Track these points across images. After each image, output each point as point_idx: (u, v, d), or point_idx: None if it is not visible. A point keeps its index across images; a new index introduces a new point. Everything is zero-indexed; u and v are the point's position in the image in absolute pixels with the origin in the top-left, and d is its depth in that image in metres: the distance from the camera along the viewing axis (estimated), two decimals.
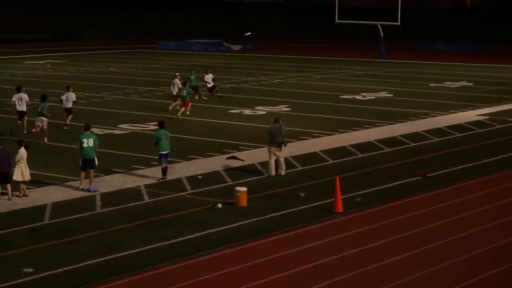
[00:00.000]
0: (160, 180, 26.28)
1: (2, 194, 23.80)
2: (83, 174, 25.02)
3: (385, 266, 18.32)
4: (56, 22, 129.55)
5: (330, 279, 17.46)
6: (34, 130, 32.79)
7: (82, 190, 24.79)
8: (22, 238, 20.19)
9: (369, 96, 48.22)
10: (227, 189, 25.15)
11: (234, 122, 38.26)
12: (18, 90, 34.71)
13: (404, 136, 34.71)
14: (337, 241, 20.25)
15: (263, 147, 29.91)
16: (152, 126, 35.44)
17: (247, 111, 41.49)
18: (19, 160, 23.95)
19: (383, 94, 49.37)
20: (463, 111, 42.45)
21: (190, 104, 39.36)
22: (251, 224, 21.61)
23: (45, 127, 32.72)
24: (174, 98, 41.03)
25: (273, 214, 22.53)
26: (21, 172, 23.92)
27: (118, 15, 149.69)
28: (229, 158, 29.74)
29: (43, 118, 32.77)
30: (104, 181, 26.10)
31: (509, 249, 19.65)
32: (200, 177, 26.95)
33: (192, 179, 26.56)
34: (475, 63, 71.41)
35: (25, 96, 34.37)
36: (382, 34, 76.82)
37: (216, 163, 29.08)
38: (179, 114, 38.70)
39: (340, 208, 22.78)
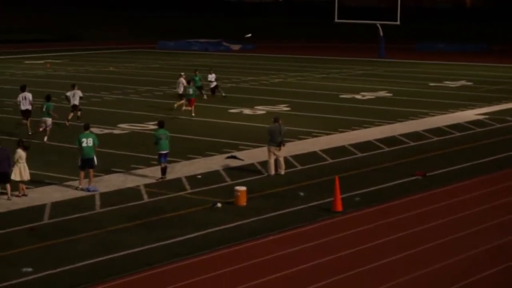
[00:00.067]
0: (160, 180, 26.29)
1: (2, 193, 23.81)
2: (82, 173, 25.03)
3: (384, 265, 18.33)
4: (56, 22, 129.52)
5: (330, 278, 17.47)
6: (40, 129, 32.86)
7: (82, 189, 24.81)
8: (22, 238, 20.21)
9: (369, 95, 48.24)
10: (227, 188, 25.17)
11: (234, 121, 38.27)
12: (23, 89, 34.68)
13: (403, 135, 34.73)
14: (336, 241, 20.26)
15: (262, 146, 29.93)
16: (151, 126, 35.46)
17: (246, 111, 41.50)
18: (17, 160, 23.96)
19: (382, 93, 49.39)
20: (463, 110, 42.46)
21: (193, 104, 39.52)
22: (251, 224, 21.62)
23: (48, 127, 32.79)
24: (180, 97, 41.21)
25: (273, 214, 22.54)
26: (19, 171, 23.92)
27: (117, 14, 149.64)
28: (228, 157, 29.76)
29: (47, 118, 32.89)
30: (103, 180, 26.11)
31: (507, 249, 19.65)
32: (199, 176, 26.96)
33: (192, 179, 26.58)
34: (474, 63, 71.42)
35: (29, 96, 34.35)
36: (382, 34, 76.85)
37: (216, 162, 29.09)
38: (183, 109, 39.16)
39: (339, 207, 22.80)
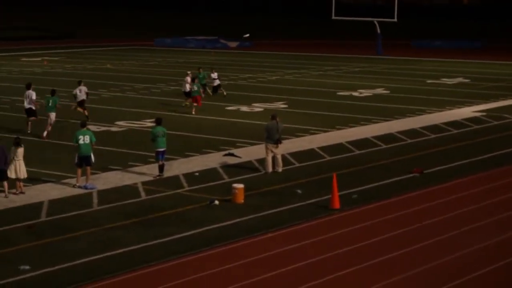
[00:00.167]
0: (157, 177, 26.28)
1: None
2: (79, 171, 25.00)
3: (382, 263, 18.34)
4: (54, 19, 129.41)
5: (327, 276, 17.47)
6: (45, 133, 32.75)
7: (79, 187, 24.78)
8: (19, 236, 20.18)
9: (366, 92, 48.25)
10: (224, 186, 25.16)
11: (231, 119, 38.26)
12: (28, 87, 34.59)
13: (401, 132, 34.73)
14: (334, 238, 20.26)
15: (260, 144, 29.93)
16: (149, 123, 35.43)
17: (244, 108, 41.49)
18: (13, 158, 23.92)
19: (380, 90, 49.39)
20: (460, 107, 42.49)
21: (200, 101, 39.82)
22: (248, 221, 21.62)
23: (51, 122, 32.93)
24: (187, 95, 41.32)
25: (270, 211, 22.54)
26: (14, 169, 23.88)
27: (114, 12, 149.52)
28: (226, 155, 29.75)
29: (52, 112, 33.02)
30: (101, 178, 26.09)
31: (504, 246, 19.67)
32: (197, 174, 26.95)
33: (189, 176, 26.57)
34: (471, 60, 71.49)
35: (32, 94, 34.07)
36: (379, 31, 76.85)
37: (213, 160, 29.08)
38: (193, 112, 39.19)
39: (337, 205, 22.80)
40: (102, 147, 29.69)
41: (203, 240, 19.87)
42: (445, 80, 55.37)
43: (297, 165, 28.52)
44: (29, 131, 33.36)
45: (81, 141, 25.04)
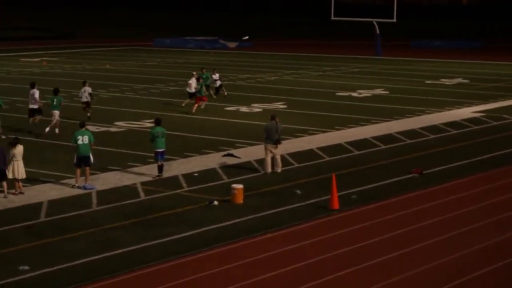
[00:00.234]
0: (156, 178, 26.28)
1: None
2: (78, 171, 24.99)
3: (381, 263, 18.33)
4: (53, 19, 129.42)
5: (326, 276, 17.47)
6: (47, 129, 33.02)
7: (78, 187, 24.77)
8: (18, 236, 20.18)
9: (365, 93, 48.25)
10: (223, 186, 25.15)
11: (230, 119, 38.26)
12: (32, 86, 34.75)
13: (400, 133, 34.74)
14: (333, 239, 20.26)
15: (259, 144, 29.93)
16: (148, 124, 35.42)
17: (243, 109, 41.49)
18: (11, 158, 23.90)
19: (379, 91, 49.40)
20: (459, 108, 42.49)
21: (198, 103, 39.89)
22: (247, 222, 21.61)
23: (55, 120, 33.11)
24: (191, 96, 41.37)
25: (269, 212, 22.53)
26: (12, 169, 23.85)
27: (114, 12, 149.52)
28: (225, 155, 29.75)
29: (55, 111, 33.19)
30: (100, 178, 26.09)
31: (504, 247, 19.67)
32: (196, 174, 26.95)
33: (188, 177, 26.56)
34: (471, 60, 71.50)
35: (35, 93, 34.30)
36: (378, 31, 76.86)
37: (212, 160, 29.08)
38: (202, 106, 39.72)
39: (336, 205, 22.79)
40: (101, 147, 29.68)
41: (202, 241, 19.86)
42: (444, 81, 55.37)
43: (296, 165, 28.52)
44: (35, 127, 33.74)
45: (79, 142, 25.03)
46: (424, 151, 31.03)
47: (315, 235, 20.39)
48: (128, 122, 36.93)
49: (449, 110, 41.74)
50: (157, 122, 27.00)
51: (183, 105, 41.40)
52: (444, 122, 37.70)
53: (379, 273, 17.71)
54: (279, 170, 27.27)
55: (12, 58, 72.55)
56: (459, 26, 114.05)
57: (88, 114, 36.80)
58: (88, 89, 37.29)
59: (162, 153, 26.38)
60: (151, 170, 27.01)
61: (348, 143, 32.40)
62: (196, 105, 39.60)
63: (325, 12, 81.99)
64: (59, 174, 26.49)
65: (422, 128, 35.91)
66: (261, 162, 27.86)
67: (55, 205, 23.05)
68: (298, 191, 24.64)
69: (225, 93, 46.10)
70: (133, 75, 57.77)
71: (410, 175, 26.89)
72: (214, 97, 45.08)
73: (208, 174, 26.95)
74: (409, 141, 33.07)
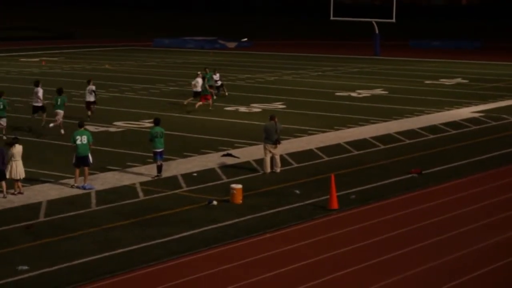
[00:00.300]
0: (155, 178, 26.27)
1: None
2: (77, 171, 25.00)
3: (380, 263, 18.34)
4: (53, 19, 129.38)
5: (325, 276, 17.47)
6: (52, 124, 33.42)
7: (77, 187, 24.77)
8: (17, 236, 20.18)
9: (365, 93, 48.25)
10: (222, 186, 25.16)
11: (230, 119, 38.26)
12: (36, 84, 35.13)
13: (399, 133, 34.75)
14: (332, 238, 20.26)
15: (258, 144, 29.93)
16: (147, 124, 35.43)
17: (242, 109, 41.49)
18: (10, 158, 23.89)
19: (378, 91, 49.40)
20: (458, 108, 42.50)
21: (202, 102, 40.10)
22: (247, 221, 21.61)
23: (59, 121, 33.32)
24: (195, 95, 41.45)
25: (269, 212, 22.54)
26: (10, 169, 23.82)
27: (113, 12, 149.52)
28: (224, 155, 29.75)
29: (59, 110, 33.48)
30: (99, 178, 26.09)
31: (503, 247, 19.67)
32: (195, 174, 26.96)
33: (187, 177, 26.56)
34: (470, 60, 71.50)
35: (39, 91, 34.79)
36: (377, 31, 76.87)
37: (212, 160, 29.08)
38: (210, 107, 39.98)
39: (335, 205, 22.80)
40: (101, 147, 29.69)
41: (201, 240, 19.87)
42: (444, 81, 55.38)
43: (296, 165, 28.52)
44: (42, 125, 34.20)
45: (78, 142, 25.02)
46: (423, 151, 31.04)
47: (314, 235, 20.39)
48: (127, 122, 36.93)
49: (448, 110, 41.75)
50: (156, 122, 26.99)
51: (185, 103, 41.50)
52: (443, 122, 37.70)
53: (378, 273, 17.71)
54: (278, 170, 27.27)
55: (12, 58, 72.54)
56: (458, 26, 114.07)
57: (89, 113, 37.01)
58: (92, 87, 37.68)
59: (161, 153, 26.38)
60: (150, 170, 27.01)
61: (347, 143, 32.41)
62: (200, 102, 39.75)
63: (325, 12, 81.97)
64: (58, 174, 26.49)
65: (421, 128, 35.92)
66: (260, 162, 27.87)
67: (54, 205, 23.06)
68: (297, 191, 24.64)
69: (226, 93, 46.15)
70: (133, 75, 57.76)
71: (409, 175, 26.89)
72: (215, 97, 45.13)
73: (207, 174, 26.95)
74: (408, 141, 33.08)
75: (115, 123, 36.72)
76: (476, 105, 43.63)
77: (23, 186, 24.30)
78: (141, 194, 24.39)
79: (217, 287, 16.97)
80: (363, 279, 17.36)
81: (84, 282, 17.08)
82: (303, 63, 68.88)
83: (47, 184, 25.32)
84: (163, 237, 20.09)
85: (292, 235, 20.51)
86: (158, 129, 26.54)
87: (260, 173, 27.18)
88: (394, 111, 40.97)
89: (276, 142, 27.12)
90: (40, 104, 34.65)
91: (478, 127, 36.75)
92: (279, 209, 22.81)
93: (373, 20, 76.81)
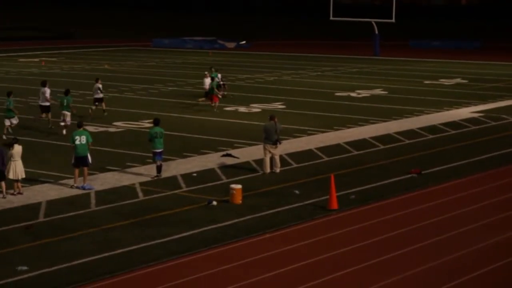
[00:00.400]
0: (155, 178, 26.27)
1: None
2: (76, 171, 24.99)
3: (380, 263, 18.34)
4: (53, 19, 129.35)
5: (325, 276, 17.47)
6: (62, 123, 33.72)
7: (77, 188, 24.77)
8: (17, 236, 20.17)
9: (364, 93, 48.26)
10: (222, 186, 25.15)
11: (229, 119, 38.26)
12: (43, 84, 35.51)
13: (398, 133, 34.75)
14: (332, 239, 20.26)
15: (258, 144, 29.93)
16: (147, 124, 35.43)
17: (242, 109, 41.50)
18: (10, 158, 23.89)
19: (378, 91, 49.41)
20: (458, 108, 42.50)
21: (215, 101, 40.47)
22: (246, 222, 21.61)
23: (68, 122, 33.49)
24: (207, 94, 41.66)
25: (268, 212, 22.53)
26: (8, 169, 23.80)
27: (112, 13, 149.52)
28: (224, 155, 29.75)
29: (66, 112, 33.56)
30: (98, 178, 26.09)
31: (503, 247, 19.67)
32: (195, 174, 26.95)
33: (187, 177, 26.56)
34: (469, 60, 71.52)
35: (46, 91, 35.14)
36: (376, 32, 76.88)
37: (211, 160, 29.08)
38: (215, 109, 40.10)
39: (335, 205, 22.80)
40: (100, 147, 29.69)
41: (201, 241, 19.87)
42: (443, 81, 55.39)
43: (295, 165, 28.52)
44: (50, 126, 34.56)
45: (77, 142, 25.01)
46: (423, 151, 31.04)
47: (314, 235, 20.39)
48: (127, 122, 36.93)
49: (447, 110, 41.76)
50: (156, 122, 26.99)
51: (200, 100, 41.95)
52: (442, 122, 37.70)
53: (378, 273, 17.71)
54: (277, 170, 27.27)
55: (11, 58, 72.54)
56: (458, 26, 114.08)
57: (90, 111, 37.48)
58: (99, 85, 38.21)
59: (160, 153, 26.37)
60: (149, 170, 27.01)
61: (346, 143, 32.41)
62: (214, 102, 40.07)
63: (325, 12, 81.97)
64: (57, 174, 26.49)
65: (420, 128, 35.92)
66: (260, 162, 27.87)
67: (54, 205, 23.05)
68: (297, 191, 24.64)
69: (225, 93, 46.14)
70: (132, 75, 57.76)
71: (409, 175, 26.89)
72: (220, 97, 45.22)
73: (206, 174, 26.95)
74: (407, 141, 33.08)
75: (114, 123, 36.72)
76: (476, 105, 43.64)
77: (22, 186, 24.30)
78: (140, 194, 24.39)
79: (217, 287, 16.97)
80: (363, 279, 17.37)
81: (83, 282, 17.08)
82: (302, 63, 68.89)
83: (46, 185, 25.32)
84: (162, 237, 20.09)
85: (291, 235, 20.51)
86: (158, 129, 26.53)
87: (259, 173, 27.18)
88: (394, 111, 40.98)
89: (276, 142, 27.12)
90: (47, 104, 35.01)
91: (477, 127, 36.75)
92: (279, 209, 22.81)
93: (372, 20, 76.83)
